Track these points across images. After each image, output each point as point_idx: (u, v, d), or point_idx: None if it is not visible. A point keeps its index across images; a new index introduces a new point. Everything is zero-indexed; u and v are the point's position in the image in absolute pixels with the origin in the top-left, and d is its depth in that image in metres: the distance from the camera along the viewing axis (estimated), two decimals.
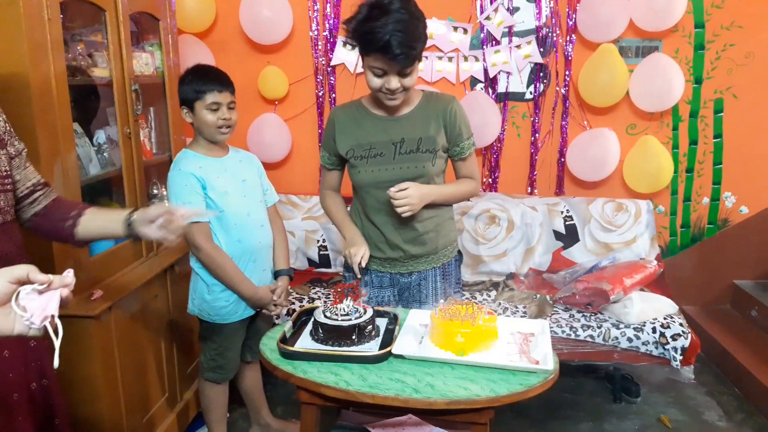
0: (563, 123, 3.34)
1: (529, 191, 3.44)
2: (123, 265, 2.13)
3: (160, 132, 2.59)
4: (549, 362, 1.43)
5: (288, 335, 1.62)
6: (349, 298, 1.64)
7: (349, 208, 2.07)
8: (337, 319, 1.58)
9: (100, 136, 2.30)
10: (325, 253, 3.28)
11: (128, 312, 2.04)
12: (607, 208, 3.22)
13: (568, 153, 3.33)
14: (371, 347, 1.56)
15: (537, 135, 3.38)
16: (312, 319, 1.63)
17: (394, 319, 1.72)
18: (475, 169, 1.98)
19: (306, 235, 3.29)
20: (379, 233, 1.94)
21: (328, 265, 3.30)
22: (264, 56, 3.38)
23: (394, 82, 1.74)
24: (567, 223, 3.23)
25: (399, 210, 1.78)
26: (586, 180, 3.32)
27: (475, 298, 2.98)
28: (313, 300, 2.93)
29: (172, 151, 2.50)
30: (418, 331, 1.64)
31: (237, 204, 2.07)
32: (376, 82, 1.76)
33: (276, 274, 2.24)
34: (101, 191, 2.29)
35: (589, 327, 2.65)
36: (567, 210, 3.24)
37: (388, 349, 1.50)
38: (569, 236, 3.21)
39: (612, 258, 3.07)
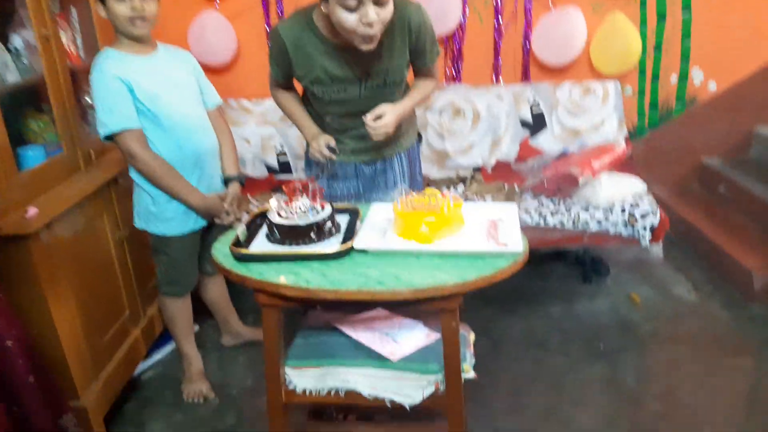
0: (527, 4, 3.14)
1: (494, 80, 3.28)
2: (59, 180, 1.96)
3: (88, 35, 2.33)
4: (518, 244, 1.36)
5: (242, 239, 1.51)
6: (303, 195, 1.52)
7: None
8: (293, 219, 1.47)
9: (16, 40, 2.05)
10: (285, 159, 3.13)
11: (71, 229, 1.89)
12: (575, 93, 3.10)
13: (533, 36, 3.14)
14: (332, 244, 1.46)
15: (500, 19, 3.17)
16: (267, 221, 1.51)
17: (355, 215, 1.62)
18: (436, 71, 1.88)
19: (262, 141, 3.11)
20: (342, 136, 1.85)
21: (289, 171, 3.15)
22: None
23: (372, 12, 1.51)
24: (534, 111, 3.11)
25: (375, 138, 1.72)
26: (552, 64, 3.17)
27: None
28: None
29: None
30: (381, 226, 1.55)
31: (171, 106, 1.88)
32: (351, 19, 1.52)
33: (225, 181, 2.09)
34: (24, 101, 2.07)
35: (558, 213, 2.60)
36: (534, 97, 3.11)
37: (349, 244, 1.40)
38: (536, 124, 3.10)
39: (579, 143, 2.99)
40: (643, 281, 2.85)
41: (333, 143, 1.79)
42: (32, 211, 1.74)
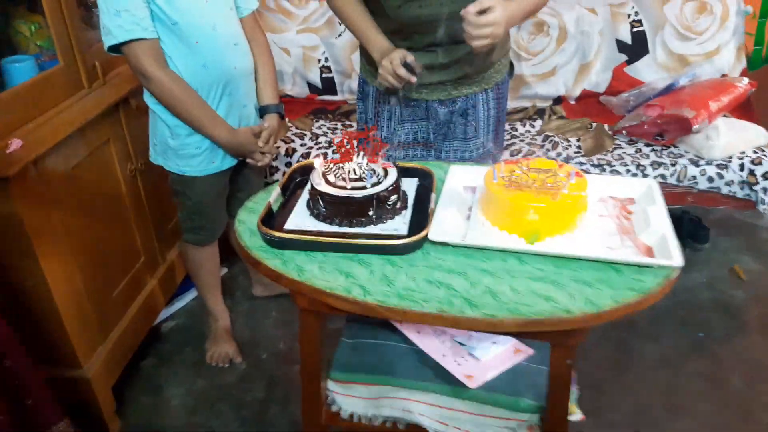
0: None
1: None
2: (54, 101, 1.57)
3: None
4: (672, 251, 0.93)
5: (275, 208, 1.11)
6: (361, 155, 1.11)
7: None
8: (345, 187, 1.06)
9: None
10: (329, 75, 2.66)
11: (68, 163, 1.53)
12: (687, 9, 2.50)
13: None
14: (397, 227, 1.06)
15: None
16: (309, 188, 1.11)
17: (427, 180, 1.20)
18: None
19: (304, 52, 2.64)
20: (418, 55, 1.35)
21: (334, 91, 2.69)
22: None
23: None
24: (634, 29, 2.53)
25: (476, 44, 1.19)
26: None
27: (516, 130, 2.43)
28: (316, 137, 2.39)
29: None
30: (464, 201, 1.13)
31: (196, 13, 1.46)
32: None
33: (261, 112, 1.68)
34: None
35: (660, 164, 2.12)
36: (635, 13, 2.52)
37: (423, 233, 1.00)
38: (636, 47, 2.54)
39: (691, 75, 2.43)
40: (747, 249, 2.38)
41: (412, 59, 1.30)
42: (15, 144, 1.36)
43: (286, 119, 2.53)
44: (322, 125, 2.50)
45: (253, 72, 1.64)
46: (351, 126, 2.50)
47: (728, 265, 2.28)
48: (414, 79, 1.30)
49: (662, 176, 2.11)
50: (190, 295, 2.19)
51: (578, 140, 2.31)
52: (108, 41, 1.42)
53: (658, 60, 2.53)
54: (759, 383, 1.78)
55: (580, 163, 2.16)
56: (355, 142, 1.11)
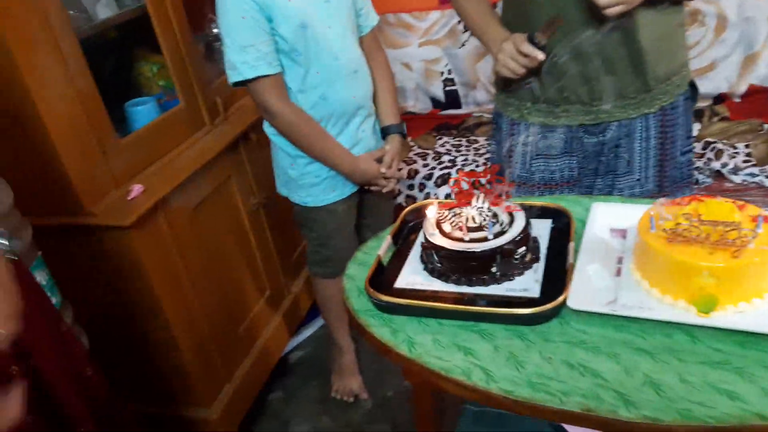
0: None
1: None
2: (176, 141, 1.59)
3: None
4: None
5: (385, 261, 0.99)
6: (482, 197, 0.95)
7: None
8: (462, 239, 0.91)
9: None
10: (453, 88, 2.52)
11: (188, 204, 1.53)
12: None
13: None
14: (527, 286, 0.89)
15: None
16: (420, 239, 0.97)
17: (564, 222, 1.01)
18: None
19: (425, 66, 2.52)
20: (551, 59, 1.13)
21: (458, 104, 2.54)
22: None
23: None
24: None
25: (602, 3, 0.97)
26: None
27: None
28: (439, 156, 2.25)
29: None
30: (611, 248, 0.93)
31: (322, 43, 1.39)
32: None
33: (382, 133, 1.60)
34: (131, 39, 1.69)
35: None
36: None
37: (560, 299, 0.82)
38: None
39: None
40: None
41: (540, 37, 1.07)
42: (136, 190, 1.39)
43: (408, 138, 2.42)
44: (445, 142, 2.36)
45: (372, 95, 1.56)
46: (476, 141, 2.34)
47: None
48: (541, 56, 1.05)
49: None
50: (318, 323, 2.15)
51: (747, 146, 1.95)
52: (233, 77, 1.39)
53: None
54: None
55: (752, 174, 1.81)
56: (473, 182, 0.96)
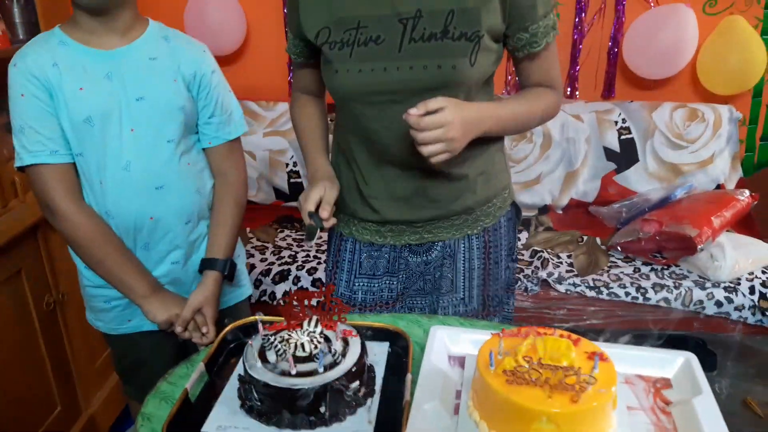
0: None
1: (568, 93, 2.56)
2: None
3: (27, 11, 1.66)
4: None
5: (193, 396, 0.82)
6: (314, 320, 0.84)
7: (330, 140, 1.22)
8: (288, 372, 0.78)
9: None
10: (297, 180, 2.45)
11: None
12: (677, 116, 2.38)
13: (625, 40, 2.42)
14: (358, 429, 0.77)
15: (583, 14, 2.46)
16: (241, 374, 0.82)
17: (402, 345, 0.93)
18: (554, 72, 1.11)
19: (270, 156, 2.44)
20: (377, 178, 1.12)
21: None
22: None
23: None
24: (623, 137, 2.39)
25: (426, 151, 0.94)
26: (647, 78, 2.45)
27: None
28: (279, 250, 2.13)
29: None
30: (449, 381, 0.86)
31: (109, 145, 1.13)
32: None
33: (200, 267, 1.26)
34: None
35: (662, 287, 1.90)
36: (623, 119, 2.39)
37: None
38: (625, 155, 2.39)
39: (688, 186, 2.27)
40: (762, 379, 2.12)
41: (327, 211, 1.04)
42: None
43: (247, 229, 2.28)
44: (286, 236, 2.26)
45: (198, 216, 1.25)
46: (320, 237, 2.26)
47: (740, 396, 2.01)
48: (314, 232, 1.03)
49: (666, 300, 1.89)
50: None
51: (569, 256, 2.09)
52: (16, 162, 1.13)
53: (649, 169, 2.38)
54: None
55: (575, 284, 1.93)
56: (307, 305, 0.85)
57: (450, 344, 0.92)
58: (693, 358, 0.86)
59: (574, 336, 0.81)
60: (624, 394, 0.83)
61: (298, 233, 2.28)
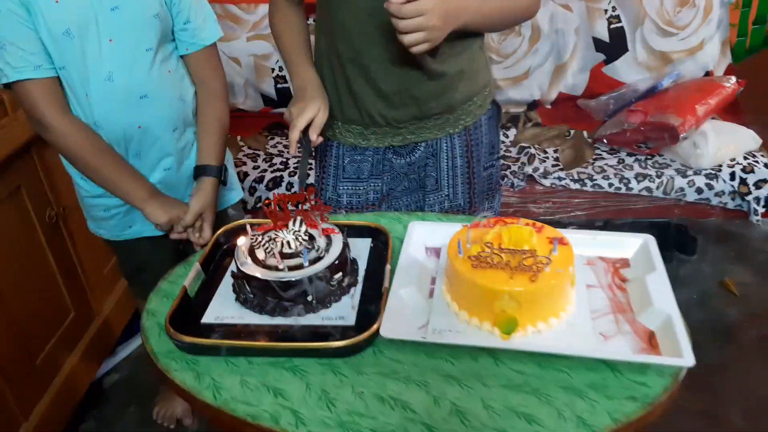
0: None
1: None
2: None
3: None
4: (681, 341, 0.75)
5: (192, 293, 0.90)
6: (298, 219, 0.90)
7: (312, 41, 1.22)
8: (277, 267, 0.86)
9: None
10: (284, 85, 2.44)
11: None
12: (668, 2, 2.32)
13: None
14: (343, 313, 0.86)
15: None
16: (233, 269, 0.90)
17: (383, 240, 1.00)
18: None
19: (255, 61, 2.41)
20: (359, 76, 1.13)
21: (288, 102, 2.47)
22: None
23: None
24: (612, 26, 2.35)
25: (406, 40, 0.95)
26: None
27: None
28: (271, 157, 2.17)
29: None
30: (425, 269, 0.93)
31: (89, 58, 1.14)
32: None
33: (195, 174, 1.30)
34: None
35: (645, 176, 1.95)
36: (613, 8, 2.34)
37: (372, 329, 0.80)
38: (615, 45, 2.36)
39: (674, 75, 2.26)
40: (740, 262, 2.23)
41: (315, 134, 1.08)
42: None
43: (237, 137, 2.31)
44: (277, 143, 2.29)
45: (184, 123, 1.29)
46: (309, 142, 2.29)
47: (719, 278, 2.13)
48: (293, 150, 1.08)
49: (648, 189, 1.95)
50: (137, 341, 1.97)
51: (556, 151, 2.13)
52: (1, 79, 1.15)
53: (639, 58, 2.35)
54: (762, 418, 1.63)
55: (560, 178, 1.98)
56: (290, 206, 0.91)
57: (426, 237, 0.99)
58: (651, 240, 0.93)
59: (539, 224, 0.87)
60: (585, 274, 0.91)
61: (288, 139, 2.31)
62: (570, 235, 0.89)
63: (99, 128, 1.19)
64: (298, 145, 1.08)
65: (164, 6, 1.19)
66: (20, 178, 1.47)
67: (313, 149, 1.08)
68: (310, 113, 1.08)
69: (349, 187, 1.24)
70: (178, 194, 1.30)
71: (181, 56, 1.28)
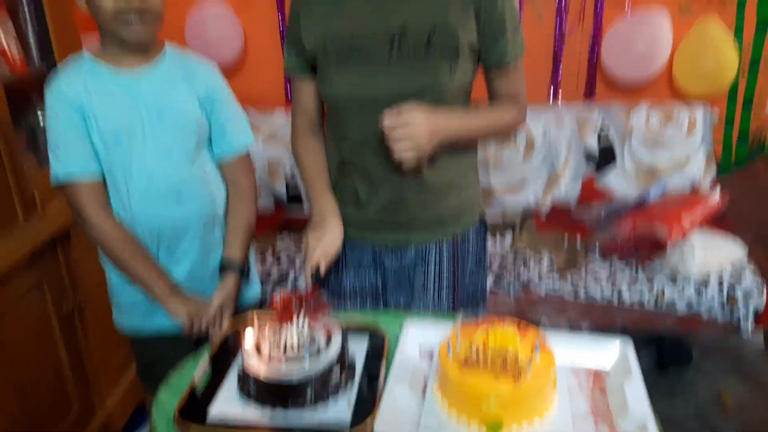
0: (598, 5, 2.54)
1: (551, 97, 2.69)
2: None
3: (42, 34, 1.80)
4: None
5: (200, 388, 0.97)
6: (303, 316, 0.98)
7: None
8: (279, 360, 0.92)
9: None
10: (296, 189, 2.59)
11: None
12: (654, 119, 2.51)
13: (603, 44, 2.54)
14: (340, 412, 0.92)
15: (563, 22, 2.58)
16: (238, 368, 0.97)
17: (380, 339, 1.07)
18: (520, 87, 1.26)
19: (269, 164, 2.58)
20: (362, 182, 1.26)
21: (299, 202, 2.61)
22: None
23: None
24: (602, 140, 2.52)
25: (396, 148, 1.09)
26: (626, 80, 2.57)
27: None
28: (278, 258, 2.27)
29: (56, 59, 1.74)
30: (418, 369, 1.00)
31: (135, 158, 1.27)
32: None
33: (220, 267, 1.39)
34: None
35: (637, 285, 2.03)
36: (603, 121, 2.52)
37: (368, 426, 0.85)
38: (604, 158, 2.52)
39: (661, 187, 2.40)
40: (735, 374, 2.24)
41: (323, 264, 1.18)
42: None
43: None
44: (287, 243, 2.40)
45: (213, 220, 1.39)
46: None
47: (715, 390, 2.14)
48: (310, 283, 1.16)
49: (640, 297, 2.02)
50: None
51: (551, 256, 2.22)
52: (52, 177, 1.28)
53: (627, 170, 2.51)
54: None
55: (555, 283, 2.06)
56: (296, 304, 0.99)
57: (421, 337, 1.06)
58: (629, 348, 0.99)
59: (524, 326, 0.95)
60: (568, 379, 0.97)
61: (296, 240, 2.42)
62: (553, 337, 0.96)
63: (136, 222, 1.30)
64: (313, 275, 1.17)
65: (203, 115, 1.34)
66: (44, 272, 1.57)
67: (322, 275, 1.18)
68: (324, 248, 1.18)
69: (351, 274, 1.33)
70: (202, 286, 1.39)
71: (216, 159, 1.40)
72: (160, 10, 1.23)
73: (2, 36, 1.65)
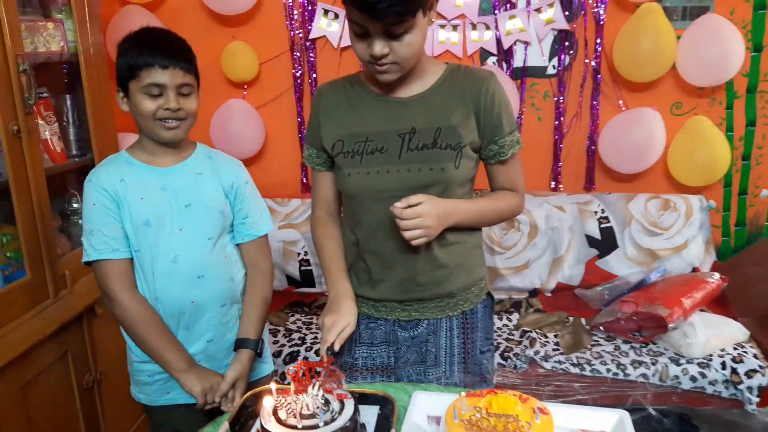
0: (594, 103, 2.73)
1: (553, 187, 2.84)
2: (14, 313, 1.54)
3: (83, 128, 1.99)
4: None
5: None
6: (316, 385, 1.05)
7: None
8: (296, 426, 0.99)
9: None
10: (308, 268, 2.69)
11: (17, 383, 1.45)
12: (651, 206, 2.63)
13: (600, 140, 2.71)
14: None
15: (562, 118, 2.77)
16: (257, 425, 1.04)
17: (389, 408, 1.13)
18: (518, 178, 1.39)
19: (284, 247, 2.70)
20: (376, 263, 1.36)
21: (311, 284, 2.71)
22: (228, 29, 2.77)
23: (379, 46, 1.17)
24: (602, 225, 2.63)
25: (407, 236, 1.21)
26: (622, 172, 2.72)
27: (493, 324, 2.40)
28: (290, 333, 2.34)
29: (94, 153, 1.90)
30: None
31: (162, 244, 1.38)
32: (360, 47, 1.21)
33: (235, 346, 1.48)
34: None
35: (640, 363, 2.07)
36: (602, 209, 2.64)
37: None
38: (605, 242, 2.62)
39: (662, 270, 2.48)
40: None
41: (339, 344, 1.26)
42: None
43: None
44: (297, 319, 2.47)
45: (232, 300, 1.47)
46: None
47: None
48: (323, 359, 1.22)
49: (644, 375, 2.05)
50: None
51: (556, 335, 2.27)
52: (83, 258, 1.39)
53: (628, 254, 2.60)
54: None
55: (560, 362, 2.10)
56: (311, 373, 1.07)
57: (428, 406, 1.12)
58: (626, 416, 1.05)
59: (524, 396, 1.01)
60: None
61: (307, 316, 2.49)
62: (552, 407, 1.02)
63: (159, 301, 1.39)
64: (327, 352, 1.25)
65: (228, 204, 1.47)
66: (69, 345, 1.65)
67: (336, 352, 1.26)
68: (339, 328, 1.27)
69: (364, 351, 1.41)
70: (216, 363, 1.46)
71: (237, 241, 1.51)
72: (194, 112, 1.39)
73: (48, 131, 1.82)
